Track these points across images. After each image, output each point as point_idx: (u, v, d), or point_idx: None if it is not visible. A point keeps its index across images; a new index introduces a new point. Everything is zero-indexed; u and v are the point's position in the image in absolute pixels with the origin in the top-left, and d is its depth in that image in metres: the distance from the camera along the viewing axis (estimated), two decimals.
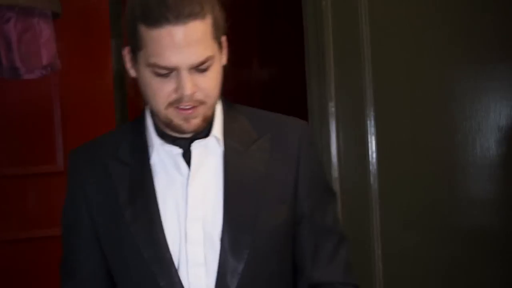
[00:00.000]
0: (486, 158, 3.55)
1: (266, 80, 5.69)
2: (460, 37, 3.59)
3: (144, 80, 1.75)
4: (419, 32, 3.65)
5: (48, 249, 4.25)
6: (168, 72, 1.71)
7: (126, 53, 1.81)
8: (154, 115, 1.84)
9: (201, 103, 1.75)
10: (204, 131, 1.84)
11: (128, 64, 1.81)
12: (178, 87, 1.71)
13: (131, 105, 4.97)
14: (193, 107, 1.75)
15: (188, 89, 1.70)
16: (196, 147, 1.83)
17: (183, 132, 1.79)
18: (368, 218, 3.76)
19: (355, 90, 3.78)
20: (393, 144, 3.73)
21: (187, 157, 1.84)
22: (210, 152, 1.85)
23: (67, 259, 1.95)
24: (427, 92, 3.65)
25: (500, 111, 3.52)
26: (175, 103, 1.74)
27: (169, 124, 1.78)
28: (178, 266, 1.80)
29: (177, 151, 1.83)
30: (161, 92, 1.73)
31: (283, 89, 5.44)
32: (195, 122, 1.77)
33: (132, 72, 1.81)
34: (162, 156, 1.85)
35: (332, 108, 3.81)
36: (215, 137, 1.85)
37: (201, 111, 1.77)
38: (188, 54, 1.69)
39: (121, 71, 4.75)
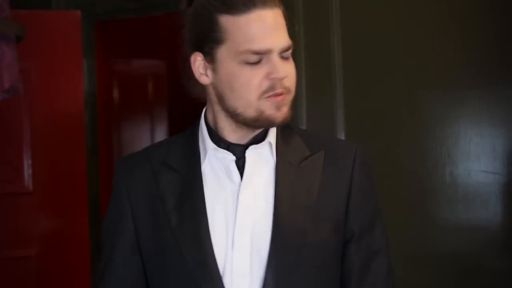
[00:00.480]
0: (456, 185, 3.56)
1: None
2: (431, 64, 3.61)
3: (231, 74, 1.74)
4: (390, 58, 3.67)
5: (14, 270, 4.22)
6: (258, 58, 1.71)
7: (194, 59, 1.80)
8: (234, 115, 1.78)
9: (288, 91, 1.76)
10: (259, 139, 1.83)
11: (198, 71, 1.80)
12: (271, 72, 1.72)
13: (102, 126, 4.95)
14: (283, 94, 1.75)
15: (282, 71, 1.72)
16: (250, 154, 1.82)
17: (271, 124, 1.77)
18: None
19: (326, 115, 3.78)
20: None
21: (239, 164, 1.82)
22: (263, 162, 1.83)
23: (103, 267, 1.91)
24: (397, 119, 3.66)
25: (470, 138, 3.54)
26: (268, 91, 1.73)
27: (259, 118, 1.75)
28: (223, 274, 1.77)
29: (231, 157, 1.81)
30: (253, 81, 1.72)
31: None
32: (285, 110, 1.76)
33: (204, 79, 1.80)
34: (214, 163, 1.83)
35: None
36: (270, 143, 1.83)
37: (288, 99, 1.77)
38: (278, 37, 1.73)
39: (93, 91, 4.73)
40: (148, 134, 6.12)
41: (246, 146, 1.82)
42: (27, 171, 4.24)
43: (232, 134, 1.82)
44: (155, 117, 6.13)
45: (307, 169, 1.84)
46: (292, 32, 3.89)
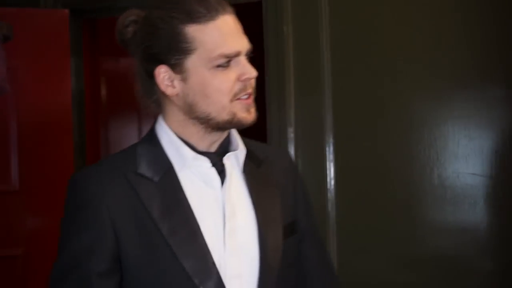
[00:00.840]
0: (444, 187, 3.56)
1: None
2: (420, 67, 3.61)
3: (204, 81, 1.79)
4: (380, 60, 3.67)
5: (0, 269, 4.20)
6: (229, 61, 1.78)
7: (159, 72, 1.82)
8: (206, 120, 1.83)
9: (254, 91, 1.84)
10: (225, 147, 1.90)
11: (164, 84, 1.83)
12: (243, 73, 1.80)
13: (89, 125, 4.93)
14: (250, 96, 1.83)
15: (254, 71, 1.81)
16: (226, 161, 1.88)
17: (243, 125, 1.84)
18: (325, 245, 3.75)
19: (314, 116, 3.77)
20: (352, 171, 3.74)
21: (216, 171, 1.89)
22: (234, 167, 1.91)
23: None
24: (386, 120, 3.67)
25: (458, 141, 3.54)
26: (240, 93, 1.80)
27: (232, 121, 1.82)
28: None
29: (208, 164, 1.86)
30: (225, 84, 1.79)
31: None
32: (254, 111, 1.84)
33: (171, 90, 1.83)
34: (189, 170, 1.86)
35: (291, 133, 3.81)
36: (243, 148, 1.91)
37: (253, 100, 1.85)
38: (244, 39, 1.82)
39: (81, 90, 4.71)
40: (135, 133, 6.10)
41: (217, 154, 1.88)
42: (14, 170, 4.22)
43: (201, 141, 1.87)
44: (142, 116, 6.10)
45: (265, 171, 1.96)
46: (280, 32, 3.91)
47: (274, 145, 3.89)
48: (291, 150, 3.82)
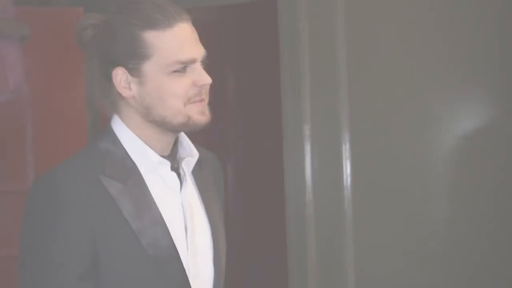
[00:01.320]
0: (462, 184, 3.57)
1: (242, 102, 5.69)
2: (437, 64, 3.61)
3: (160, 85, 1.86)
4: (396, 57, 3.67)
5: (15, 269, 4.20)
6: (185, 67, 1.85)
7: (116, 74, 1.87)
8: (162, 123, 1.89)
9: (207, 96, 1.91)
10: (176, 149, 1.95)
11: (121, 86, 1.87)
12: (198, 80, 1.87)
13: (104, 124, 4.94)
14: (205, 99, 1.90)
15: (208, 78, 1.87)
16: (184, 166, 1.95)
17: (198, 127, 1.90)
18: (341, 243, 3.76)
19: (330, 113, 3.78)
20: (368, 168, 3.74)
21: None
22: (186, 170, 1.96)
23: None
24: (402, 117, 3.67)
25: (477, 137, 3.54)
26: (194, 98, 1.87)
27: (187, 123, 1.88)
28: None
29: (168, 168, 1.92)
30: (180, 88, 1.85)
31: (258, 111, 5.42)
32: (208, 113, 1.90)
33: (127, 92, 1.88)
34: (151, 174, 1.91)
35: (307, 130, 3.81)
36: (196, 152, 1.96)
37: (207, 103, 1.91)
38: (200, 46, 1.89)
39: None
40: None
41: (172, 157, 1.94)
42: (29, 169, 4.24)
43: (158, 143, 1.92)
44: None
45: (206, 174, 2.04)
46: (295, 30, 3.90)
47: (290, 142, 3.90)
48: (307, 148, 3.83)
